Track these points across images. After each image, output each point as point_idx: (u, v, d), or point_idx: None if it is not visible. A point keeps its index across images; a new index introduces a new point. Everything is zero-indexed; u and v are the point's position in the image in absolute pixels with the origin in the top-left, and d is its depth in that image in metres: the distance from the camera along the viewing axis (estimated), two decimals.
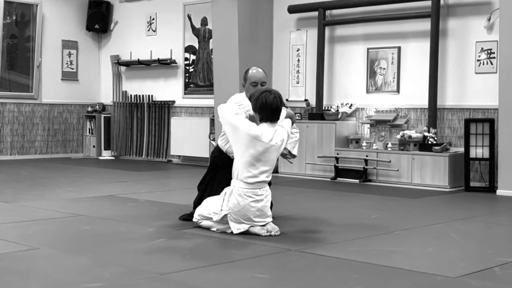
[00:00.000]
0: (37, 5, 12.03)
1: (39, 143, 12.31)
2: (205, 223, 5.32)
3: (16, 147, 12.02)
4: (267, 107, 5.15)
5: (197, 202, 5.66)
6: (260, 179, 5.15)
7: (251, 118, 5.25)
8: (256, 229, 5.13)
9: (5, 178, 8.89)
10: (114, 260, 4.24)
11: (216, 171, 5.78)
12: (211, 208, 5.27)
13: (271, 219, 5.25)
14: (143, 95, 12.27)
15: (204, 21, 11.41)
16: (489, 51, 8.54)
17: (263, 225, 5.17)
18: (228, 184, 5.29)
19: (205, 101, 11.31)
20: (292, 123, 5.47)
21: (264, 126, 5.17)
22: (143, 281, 3.75)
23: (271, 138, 5.14)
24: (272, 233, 5.14)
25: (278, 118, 5.25)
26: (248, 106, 5.40)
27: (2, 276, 3.82)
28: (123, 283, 3.70)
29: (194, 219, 5.41)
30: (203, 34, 11.46)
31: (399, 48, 9.30)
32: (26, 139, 12.15)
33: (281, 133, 5.22)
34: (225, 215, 5.15)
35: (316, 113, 9.72)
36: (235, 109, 5.29)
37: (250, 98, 5.38)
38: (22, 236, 4.97)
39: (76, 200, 6.94)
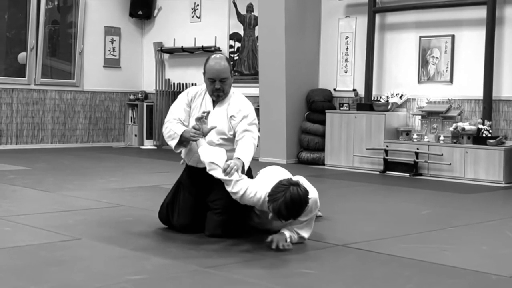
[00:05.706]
0: None
1: (80, 131, 12.24)
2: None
3: (57, 135, 11.96)
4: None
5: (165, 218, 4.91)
6: None
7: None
8: None
9: (47, 166, 8.83)
10: (156, 252, 4.15)
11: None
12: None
13: None
14: (186, 84, 12.12)
15: (249, 8, 11.21)
16: None
17: None
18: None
19: (250, 90, 11.08)
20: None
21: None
22: (186, 274, 3.67)
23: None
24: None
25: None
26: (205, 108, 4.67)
27: (44, 267, 3.76)
28: (166, 276, 3.62)
29: None
30: (248, 21, 11.27)
31: (452, 37, 8.99)
32: (67, 127, 12.08)
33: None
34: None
35: (365, 103, 9.51)
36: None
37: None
38: (64, 226, 4.90)
39: (118, 190, 6.86)
